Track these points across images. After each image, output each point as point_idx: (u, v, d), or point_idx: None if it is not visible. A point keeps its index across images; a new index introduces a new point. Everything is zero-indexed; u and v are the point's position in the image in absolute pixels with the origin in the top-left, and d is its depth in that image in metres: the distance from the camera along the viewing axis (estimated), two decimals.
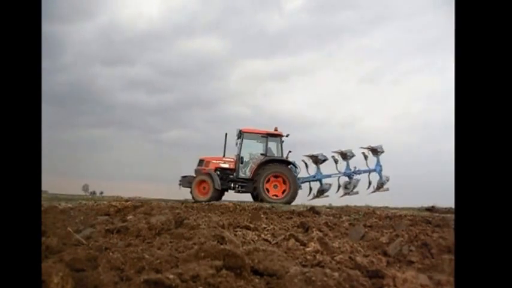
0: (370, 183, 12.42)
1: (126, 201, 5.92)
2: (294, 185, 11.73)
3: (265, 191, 11.45)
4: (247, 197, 12.56)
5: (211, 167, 11.88)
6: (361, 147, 12.39)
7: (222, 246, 1.68)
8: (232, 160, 12.10)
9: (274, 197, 11.41)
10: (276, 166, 11.75)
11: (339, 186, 12.60)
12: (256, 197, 11.52)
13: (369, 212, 6.63)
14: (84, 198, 10.32)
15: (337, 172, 12.62)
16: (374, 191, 12.35)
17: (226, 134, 12.47)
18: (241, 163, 11.98)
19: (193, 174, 12.07)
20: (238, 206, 6.92)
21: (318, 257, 2.05)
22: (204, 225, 3.10)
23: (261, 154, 12.09)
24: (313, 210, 7.08)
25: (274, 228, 3.66)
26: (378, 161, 12.38)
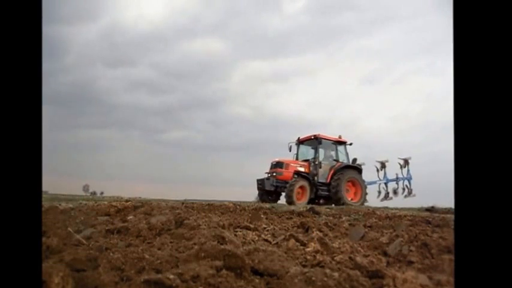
0: (404, 189, 13.75)
1: (127, 201, 5.92)
2: (365, 190, 12.49)
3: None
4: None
5: (291, 170, 11.86)
6: (399, 158, 13.80)
7: (222, 247, 1.68)
8: (305, 164, 12.28)
9: (352, 201, 11.83)
10: (351, 171, 12.24)
11: (379, 192, 13.86)
12: (335, 201, 11.64)
13: (369, 212, 6.64)
14: (84, 198, 10.31)
15: (379, 179, 13.82)
16: (407, 196, 13.68)
17: (299, 137, 12.87)
18: (320, 167, 12.12)
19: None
20: (238, 206, 6.91)
21: (318, 257, 2.05)
22: (205, 225, 3.10)
23: (334, 160, 12.54)
24: (313, 210, 7.08)
25: (274, 229, 3.66)
26: (408, 170, 13.66)
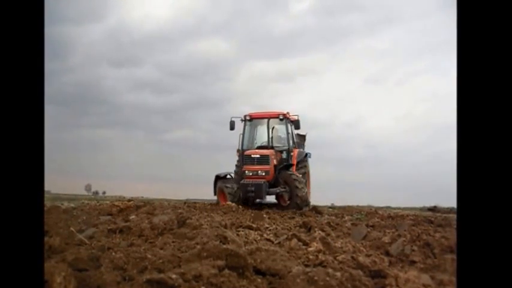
0: None
1: (129, 201, 5.94)
2: (308, 183, 9.43)
3: None
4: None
5: (273, 165, 8.42)
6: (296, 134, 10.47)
7: (224, 246, 1.68)
8: (273, 153, 8.75)
9: None
10: (306, 163, 9.28)
11: None
12: (296, 204, 7.91)
13: (371, 211, 6.65)
14: (86, 198, 10.33)
15: None
16: None
17: (264, 114, 9.28)
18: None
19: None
20: (240, 206, 6.92)
21: (320, 256, 2.05)
22: (207, 225, 3.10)
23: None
24: (315, 210, 7.08)
25: (276, 228, 3.66)
26: (304, 147, 10.80)
